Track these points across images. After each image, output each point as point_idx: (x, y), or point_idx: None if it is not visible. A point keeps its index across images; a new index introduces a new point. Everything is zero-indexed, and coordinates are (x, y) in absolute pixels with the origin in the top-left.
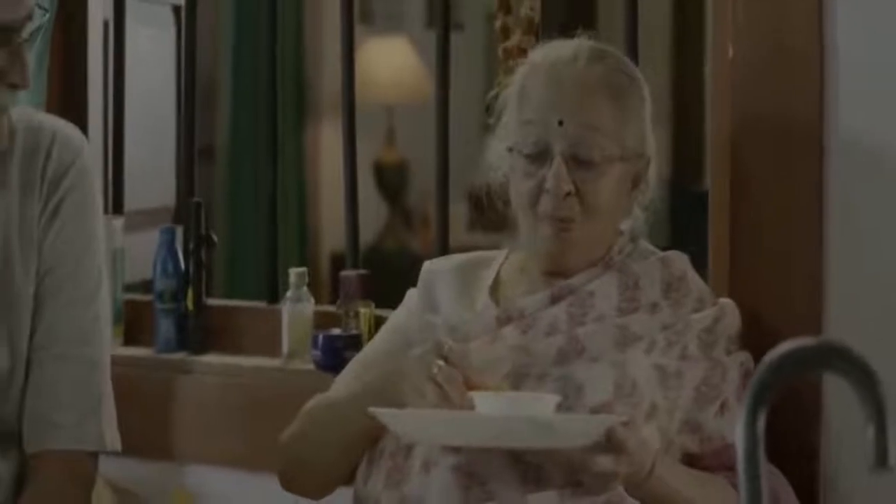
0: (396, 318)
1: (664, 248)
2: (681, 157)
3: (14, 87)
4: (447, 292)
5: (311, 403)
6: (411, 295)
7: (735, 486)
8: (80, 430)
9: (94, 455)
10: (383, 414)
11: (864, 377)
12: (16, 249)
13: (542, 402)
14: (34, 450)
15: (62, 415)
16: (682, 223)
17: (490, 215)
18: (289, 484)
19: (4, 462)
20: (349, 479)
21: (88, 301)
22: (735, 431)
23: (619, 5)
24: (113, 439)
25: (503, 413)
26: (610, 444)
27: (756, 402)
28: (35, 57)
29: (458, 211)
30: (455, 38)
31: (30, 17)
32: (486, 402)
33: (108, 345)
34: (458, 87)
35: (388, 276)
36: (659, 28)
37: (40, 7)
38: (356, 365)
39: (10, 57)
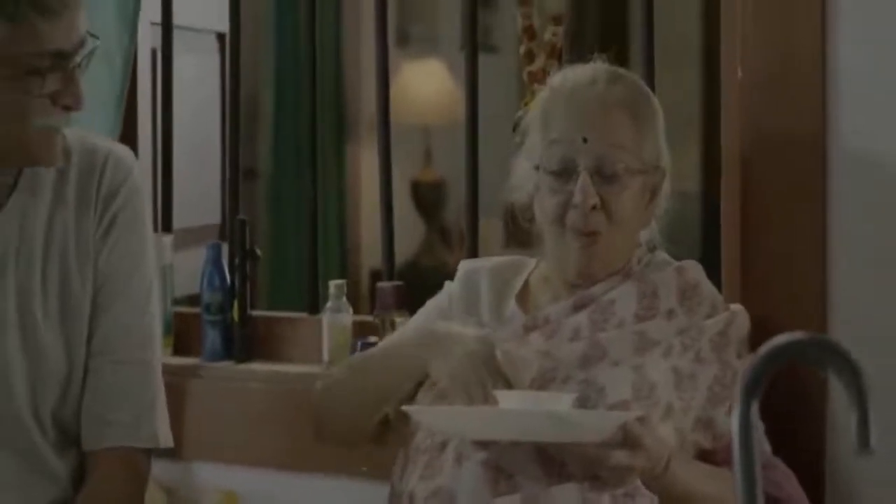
0: (436, 300)
1: (698, 260)
2: (711, 172)
3: (67, 108)
4: (487, 294)
5: (350, 358)
6: (451, 286)
7: None
8: (135, 429)
9: (148, 452)
10: (414, 411)
11: (848, 368)
12: (73, 262)
13: (560, 400)
14: (92, 448)
15: (118, 414)
16: (714, 236)
17: (525, 232)
18: (319, 430)
19: (63, 462)
20: (375, 438)
21: (141, 309)
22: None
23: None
24: (166, 437)
25: (524, 408)
26: (626, 439)
27: (749, 391)
28: (115, 93)
29: (495, 227)
30: (490, 61)
31: (82, 44)
32: (509, 400)
33: (160, 349)
34: (494, 107)
35: (425, 291)
36: (689, 49)
37: (92, 35)
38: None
39: (63, 81)
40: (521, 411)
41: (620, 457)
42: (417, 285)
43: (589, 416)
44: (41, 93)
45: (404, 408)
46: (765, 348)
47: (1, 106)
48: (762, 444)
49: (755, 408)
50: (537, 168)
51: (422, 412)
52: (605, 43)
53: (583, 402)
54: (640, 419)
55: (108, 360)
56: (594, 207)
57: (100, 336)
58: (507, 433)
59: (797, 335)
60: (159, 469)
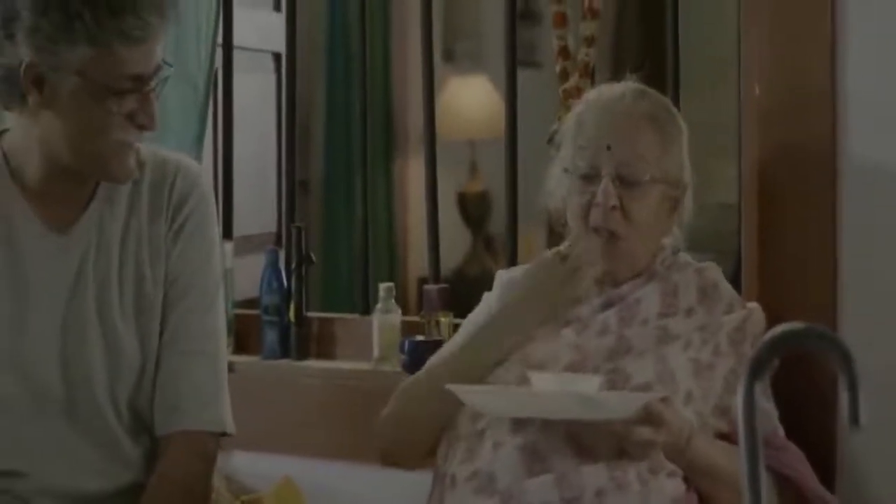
0: (476, 316)
1: (734, 267)
2: None
3: (142, 127)
4: None
5: (401, 385)
6: (488, 297)
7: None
8: (203, 414)
9: (215, 436)
10: (458, 389)
11: (840, 354)
12: (146, 264)
13: (588, 381)
14: (163, 432)
15: (187, 401)
16: None
17: (564, 239)
18: (388, 460)
19: (136, 447)
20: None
21: (209, 305)
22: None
23: (690, 44)
24: (230, 424)
25: (556, 390)
26: (648, 416)
27: (752, 373)
28: (199, 110)
29: (539, 235)
30: (533, 75)
31: (158, 70)
32: (542, 381)
33: (225, 343)
34: (538, 120)
35: (471, 297)
36: (728, 69)
37: (166, 63)
38: (438, 358)
39: (140, 102)
40: (553, 392)
41: (644, 432)
42: (464, 291)
43: (614, 396)
44: (119, 111)
45: (448, 386)
46: (767, 336)
47: (83, 122)
48: (776, 429)
49: (759, 389)
50: (566, 171)
51: (465, 391)
52: (643, 63)
53: (611, 387)
54: (663, 399)
55: (177, 352)
56: (613, 208)
57: (170, 329)
58: (540, 412)
59: (796, 325)
60: (220, 459)
